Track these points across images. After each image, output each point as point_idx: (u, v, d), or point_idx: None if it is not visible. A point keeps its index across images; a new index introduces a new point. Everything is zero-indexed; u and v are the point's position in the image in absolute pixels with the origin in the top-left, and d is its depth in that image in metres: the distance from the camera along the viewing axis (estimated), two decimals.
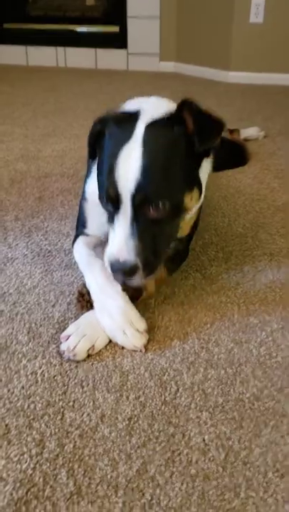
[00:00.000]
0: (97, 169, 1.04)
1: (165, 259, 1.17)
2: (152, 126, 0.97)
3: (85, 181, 1.25)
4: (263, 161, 2.01)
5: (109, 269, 0.98)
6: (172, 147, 0.98)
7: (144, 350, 0.98)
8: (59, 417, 0.84)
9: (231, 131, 2.13)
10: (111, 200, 0.96)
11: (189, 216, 1.09)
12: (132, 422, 0.83)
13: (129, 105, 1.09)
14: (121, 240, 0.94)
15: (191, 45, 3.88)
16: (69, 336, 0.99)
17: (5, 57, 4.41)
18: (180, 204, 0.99)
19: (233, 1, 3.49)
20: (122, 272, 0.95)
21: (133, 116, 1.00)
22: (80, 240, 1.24)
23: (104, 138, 1.01)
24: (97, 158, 1.06)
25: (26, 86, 3.47)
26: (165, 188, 0.96)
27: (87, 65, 4.29)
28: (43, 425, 0.82)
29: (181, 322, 1.07)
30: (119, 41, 4.16)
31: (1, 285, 1.19)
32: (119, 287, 1.05)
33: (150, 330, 1.03)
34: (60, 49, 4.32)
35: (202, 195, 1.08)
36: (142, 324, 1.01)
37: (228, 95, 3.20)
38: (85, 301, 1.07)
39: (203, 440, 0.80)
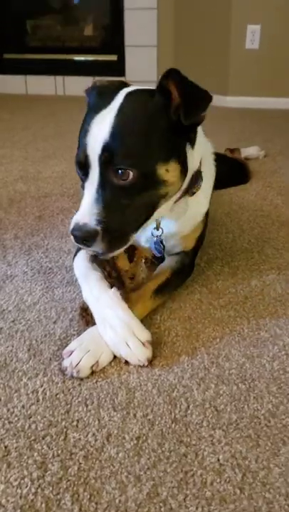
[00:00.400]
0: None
1: (170, 273, 1.14)
2: (132, 95, 0.96)
3: None
4: (265, 179, 2.00)
5: (70, 233, 0.93)
6: (149, 115, 0.95)
7: (146, 364, 0.92)
8: (62, 438, 0.78)
9: (232, 150, 2.12)
10: (80, 164, 0.94)
11: (172, 197, 1.03)
12: (140, 442, 0.78)
13: None
14: (85, 204, 0.92)
15: (189, 72, 3.90)
16: (72, 352, 0.94)
17: (4, 86, 4.46)
18: (151, 173, 0.94)
19: (229, 29, 3.56)
20: (80, 237, 0.91)
21: (117, 87, 0.99)
22: (80, 253, 1.19)
23: (88, 106, 1.01)
24: None
25: (26, 113, 3.49)
26: (133, 153, 0.92)
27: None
28: (44, 446, 0.76)
29: (189, 337, 1.02)
30: (117, 69, 4.22)
31: (1, 302, 1.14)
32: (116, 296, 1.00)
33: (157, 345, 0.98)
34: (59, 78, 4.37)
35: (188, 174, 1.04)
36: (145, 335, 0.96)
37: (226, 119, 3.21)
38: (89, 316, 1.03)
39: (218, 460, 0.75)
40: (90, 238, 0.91)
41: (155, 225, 1.13)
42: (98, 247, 0.93)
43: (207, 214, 1.23)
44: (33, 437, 0.78)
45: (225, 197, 1.78)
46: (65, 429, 0.80)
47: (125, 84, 1.05)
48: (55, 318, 1.08)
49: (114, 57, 4.22)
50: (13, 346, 0.99)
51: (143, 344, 0.94)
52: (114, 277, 1.07)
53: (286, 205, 1.72)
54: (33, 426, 0.80)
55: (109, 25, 4.23)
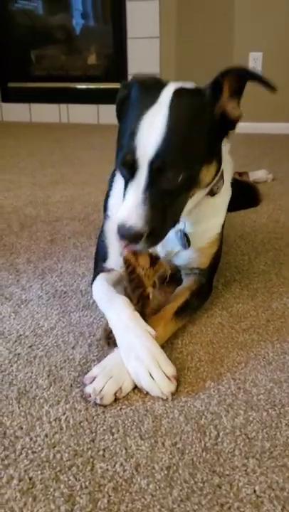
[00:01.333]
0: (120, 133, 0.99)
1: (189, 295, 1.11)
2: (180, 93, 0.95)
3: (106, 197, 1.20)
4: (275, 202, 1.99)
5: (116, 231, 0.93)
6: (199, 115, 0.95)
7: (170, 399, 0.89)
8: (89, 468, 0.74)
9: (240, 174, 2.12)
10: (128, 164, 0.92)
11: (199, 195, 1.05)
12: (171, 472, 0.74)
13: None
14: (132, 206, 0.91)
15: None
16: (94, 378, 0.90)
17: (9, 114, 4.51)
18: (195, 176, 0.96)
19: (232, 56, 3.62)
20: (128, 237, 0.92)
21: (161, 83, 0.98)
22: (100, 276, 1.17)
23: (129, 101, 0.98)
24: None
25: (31, 140, 3.52)
26: (185, 157, 0.93)
27: (89, 120, 4.38)
28: (71, 478, 0.73)
29: (213, 362, 0.99)
30: None
31: (17, 327, 1.11)
32: (145, 325, 0.98)
33: (180, 371, 0.95)
34: (63, 106, 4.42)
35: (218, 173, 1.06)
36: (171, 369, 0.92)
37: (231, 143, 3.23)
38: (112, 340, 0.99)
39: (254, 491, 0.71)
40: (137, 239, 0.92)
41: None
42: (142, 245, 0.94)
43: (222, 231, 1.22)
44: (58, 468, 0.74)
45: (237, 219, 1.77)
46: (91, 459, 0.76)
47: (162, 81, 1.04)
48: (74, 344, 1.05)
49: (117, 85, 4.26)
50: (32, 372, 0.96)
51: (168, 378, 0.91)
52: (135, 283, 1.03)
53: None
54: (58, 456, 0.76)
55: (113, 54, 4.30)
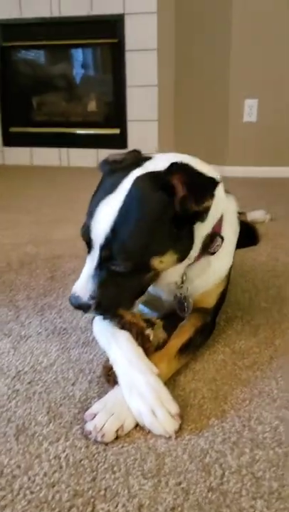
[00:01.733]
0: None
1: (194, 332, 1.10)
2: (140, 182, 0.96)
3: None
4: (274, 241, 2.00)
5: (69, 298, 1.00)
6: (154, 211, 0.94)
7: (174, 438, 0.86)
8: (89, 509, 0.71)
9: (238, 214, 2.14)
10: (85, 242, 0.99)
11: (173, 273, 1.08)
12: None
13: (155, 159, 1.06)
14: (82, 279, 0.98)
15: (188, 144, 4.08)
16: (95, 415, 0.88)
17: (10, 157, 4.60)
18: (145, 265, 0.98)
19: (227, 103, 3.74)
20: (75, 306, 0.99)
21: (129, 166, 1.01)
22: None
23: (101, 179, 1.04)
24: None
25: (31, 182, 3.57)
26: (131, 252, 0.95)
27: (89, 163, 4.46)
28: None
29: (216, 399, 0.97)
30: (119, 142, 4.36)
31: (16, 363, 1.09)
32: (149, 362, 0.96)
33: (183, 409, 0.93)
34: (64, 150, 4.52)
35: (186, 258, 1.04)
36: (174, 407, 0.90)
37: (226, 186, 3.29)
38: (112, 377, 0.97)
39: None
40: (84, 309, 0.99)
41: (179, 282, 1.11)
42: (92, 313, 1.01)
43: (230, 271, 1.22)
44: (57, 509, 0.71)
45: (236, 258, 1.75)
46: (92, 500, 0.73)
47: (139, 156, 1.08)
48: (74, 380, 1.03)
49: (116, 131, 4.38)
50: (31, 409, 0.93)
51: (172, 416, 0.89)
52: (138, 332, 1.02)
53: None
54: (57, 496, 0.73)
55: (112, 102, 4.43)
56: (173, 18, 4.12)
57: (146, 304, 1.23)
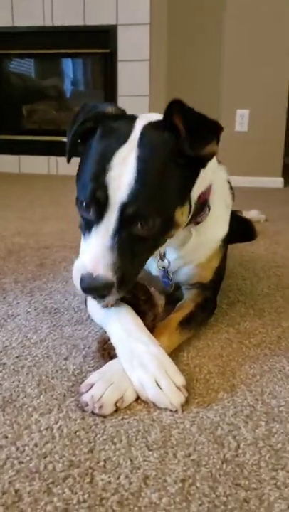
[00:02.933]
0: (81, 168, 0.88)
1: (194, 306, 1.02)
2: (149, 131, 0.86)
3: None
4: (271, 237, 1.95)
5: (77, 284, 0.82)
6: (169, 155, 0.85)
7: (180, 412, 0.77)
8: (87, 480, 0.62)
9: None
10: (96, 204, 0.81)
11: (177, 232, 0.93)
12: (186, 485, 0.62)
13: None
14: (97, 252, 0.80)
15: None
16: (92, 386, 0.79)
17: None
18: (171, 220, 0.87)
19: (219, 113, 3.73)
20: (95, 290, 0.81)
21: (129, 118, 0.90)
22: None
23: (95, 135, 0.88)
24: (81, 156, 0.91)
25: (20, 186, 3.49)
26: (159, 202, 0.83)
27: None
28: (66, 490, 0.60)
29: (224, 374, 0.88)
30: None
31: (2, 339, 0.99)
32: (150, 334, 0.88)
33: (188, 382, 0.84)
34: (52, 158, 4.46)
35: (191, 210, 0.94)
36: (180, 378, 0.82)
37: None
38: (110, 350, 0.88)
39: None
40: (106, 290, 0.81)
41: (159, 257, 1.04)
42: (112, 297, 0.83)
43: (225, 245, 1.14)
44: (50, 480, 0.61)
45: (234, 251, 1.70)
46: (90, 471, 0.63)
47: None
48: (67, 355, 0.94)
49: None
50: (19, 381, 0.84)
51: (177, 388, 0.80)
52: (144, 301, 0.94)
53: None
54: (50, 466, 0.64)
55: None
56: (165, 29, 4.15)
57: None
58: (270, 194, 3.34)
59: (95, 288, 0.80)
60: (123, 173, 0.81)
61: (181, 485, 0.61)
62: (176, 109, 0.85)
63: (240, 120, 3.68)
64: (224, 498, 0.59)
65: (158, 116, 0.92)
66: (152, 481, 0.62)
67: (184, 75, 4.00)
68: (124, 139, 0.84)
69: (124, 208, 0.80)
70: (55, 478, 0.62)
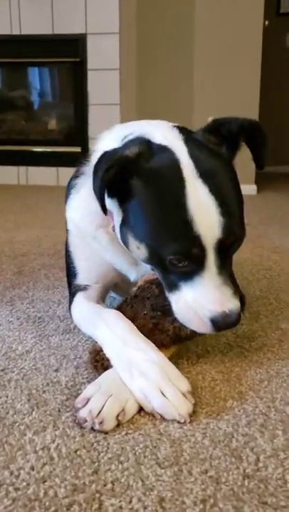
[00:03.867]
0: (141, 225, 0.80)
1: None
2: (197, 154, 0.79)
3: (65, 211, 1.03)
4: (254, 241, 1.91)
5: (209, 329, 0.79)
6: (231, 170, 0.86)
7: (188, 421, 0.70)
8: (95, 506, 0.54)
9: None
10: (194, 257, 0.76)
11: None
12: (208, 506, 0.55)
13: (127, 130, 0.90)
14: (216, 294, 0.78)
15: None
16: (88, 400, 0.71)
17: None
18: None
19: (191, 120, 3.72)
20: (230, 324, 0.78)
21: (161, 149, 0.80)
22: (79, 296, 1.00)
23: (135, 182, 0.80)
24: (122, 210, 0.84)
25: None
26: (242, 218, 0.82)
27: (48, 182, 4.30)
28: None
29: (229, 381, 0.82)
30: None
31: None
32: (146, 339, 0.81)
33: (193, 390, 0.77)
34: (22, 168, 4.35)
35: None
36: (185, 383, 0.75)
37: None
38: (104, 361, 0.81)
39: None
40: (239, 317, 0.79)
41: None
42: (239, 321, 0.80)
43: None
44: (53, 508, 0.53)
45: None
46: (97, 495, 0.56)
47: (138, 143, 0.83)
48: (57, 366, 0.86)
49: (78, 149, 4.27)
50: (7, 397, 0.75)
51: (183, 395, 0.73)
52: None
53: (286, 261, 1.61)
54: (51, 492, 0.55)
55: (74, 119, 4.34)
56: (135, 38, 4.13)
57: (115, 288, 1.08)
58: (245, 201, 3.33)
59: (232, 323, 0.78)
60: (206, 213, 0.76)
61: (202, 506, 0.54)
62: (251, 131, 0.86)
63: None
64: None
65: (163, 129, 0.86)
66: (169, 504, 0.55)
67: (155, 83, 3.98)
68: (178, 176, 0.77)
69: (221, 244, 0.77)
70: (58, 506, 0.53)
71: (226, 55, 3.56)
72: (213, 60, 3.60)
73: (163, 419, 0.71)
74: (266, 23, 4.31)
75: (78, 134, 4.27)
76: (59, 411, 0.72)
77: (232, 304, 0.78)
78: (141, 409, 0.72)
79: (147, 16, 4.05)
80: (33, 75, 4.49)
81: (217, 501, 0.55)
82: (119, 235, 0.87)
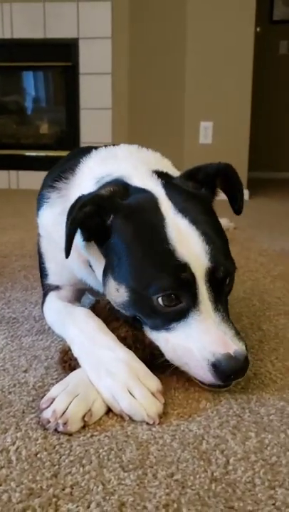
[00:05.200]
0: (123, 264, 0.76)
1: None
2: (174, 193, 0.80)
3: (37, 215, 1.03)
4: (242, 244, 1.89)
5: (210, 377, 0.70)
6: (208, 203, 0.85)
7: (157, 421, 0.67)
8: (51, 511, 0.51)
9: None
10: (185, 289, 0.72)
11: None
12: (171, 511, 0.51)
13: (106, 168, 0.89)
14: (217, 332, 0.71)
15: None
16: (54, 399, 0.68)
17: None
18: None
19: (183, 126, 3.71)
20: (239, 369, 0.70)
21: (138, 188, 0.81)
22: (51, 295, 0.99)
23: (112, 220, 0.78)
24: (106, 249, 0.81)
25: None
26: (228, 253, 0.79)
27: (40, 186, 4.29)
28: None
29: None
30: None
31: None
32: (114, 336, 0.78)
33: (166, 392, 0.74)
34: (13, 172, 4.33)
35: None
36: (154, 382, 0.72)
37: None
38: (72, 361, 0.78)
39: None
40: (246, 367, 0.72)
41: None
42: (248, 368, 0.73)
43: None
44: None
45: None
46: (54, 499, 0.52)
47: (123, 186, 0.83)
48: (26, 367, 0.83)
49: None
50: None
51: (153, 395, 0.70)
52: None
53: (273, 262, 1.59)
54: (5, 497, 0.52)
55: (65, 124, 4.33)
56: (127, 42, 4.12)
57: (90, 291, 1.05)
58: None
59: (241, 368, 0.70)
60: (190, 243, 0.73)
61: (164, 511, 0.51)
62: (223, 174, 0.88)
63: (204, 132, 3.67)
64: None
65: (142, 172, 0.86)
66: (129, 509, 0.51)
67: (147, 88, 3.97)
68: (157, 211, 0.76)
69: (211, 276, 0.73)
70: (12, 511, 0.50)
71: (217, 61, 3.56)
72: (205, 65, 3.60)
73: (132, 420, 0.68)
74: (258, 29, 4.33)
75: (70, 138, 4.25)
76: (23, 412, 0.69)
77: (237, 346, 0.70)
78: (110, 410, 0.69)
79: (139, 20, 4.05)
80: (25, 79, 4.48)
81: (181, 506, 0.52)
82: (101, 280, 0.83)
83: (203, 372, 0.71)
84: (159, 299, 0.72)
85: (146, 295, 0.73)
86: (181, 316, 0.73)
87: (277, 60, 5.06)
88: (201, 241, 0.74)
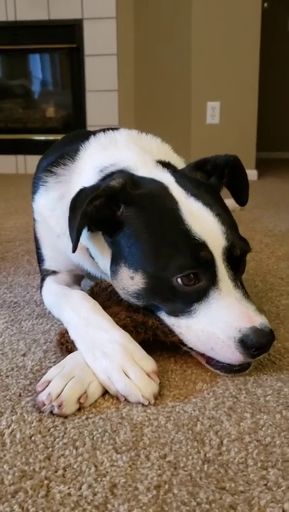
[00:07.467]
0: (142, 251, 0.76)
1: None
2: (187, 182, 0.81)
3: (33, 200, 1.02)
4: (247, 225, 1.87)
5: (238, 355, 0.70)
6: (220, 198, 0.86)
7: (152, 402, 0.67)
8: (42, 493, 0.51)
9: None
10: (205, 268, 0.72)
11: None
12: (161, 492, 0.51)
13: (109, 158, 0.88)
14: (240, 307, 0.72)
15: None
16: (49, 383, 0.68)
17: None
18: None
19: (190, 106, 3.66)
20: (267, 341, 0.70)
21: (147, 178, 0.81)
22: (48, 279, 0.99)
23: (124, 211, 0.78)
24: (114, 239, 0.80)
25: None
26: (240, 235, 0.80)
27: None
28: (16, 507, 0.49)
29: (201, 364, 0.79)
30: None
31: None
32: (110, 318, 0.77)
33: (163, 373, 0.74)
34: (20, 157, 4.32)
35: None
36: (150, 363, 0.72)
37: None
38: (70, 343, 0.78)
39: (283, 511, 0.49)
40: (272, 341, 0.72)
41: None
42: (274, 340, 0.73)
43: None
44: None
45: None
46: (46, 481, 0.53)
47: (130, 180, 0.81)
48: (25, 351, 0.83)
49: None
50: None
51: (148, 375, 0.70)
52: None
53: (278, 243, 1.57)
54: None
55: (72, 107, 4.30)
56: (132, 22, 4.05)
57: (88, 276, 1.05)
58: None
59: (268, 341, 0.70)
60: (206, 223, 0.74)
61: (155, 492, 0.51)
62: (232, 165, 0.89)
63: (212, 112, 3.61)
64: (207, 506, 0.50)
65: (147, 163, 0.86)
66: (121, 490, 0.52)
67: (153, 68, 3.92)
68: (170, 198, 0.77)
69: (228, 254, 0.74)
70: (3, 494, 0.51)
71: (224, 39, 3.49)
72: (211, 43, 3.53)
73: (127, 402, 0.68)
74: (265, 5, 4.24)
75: (76, 121, 4.22)
76: (20, 396, 0.69)
77: (261, 319, 0.71)
78: (106, 392, 0.70)
79: None
80: (29, 61, 4.44)
81: (172, 487, 0.52)
82: (108, 273, 0.83)
83: (231, 352, 0.70)
84: (179, 280, 0.72)
85: (165, 277, 0.72)
86: (201, 295, 0.73)
87: (285, 37, 4.95)
88: (217, 221, 0.75)
